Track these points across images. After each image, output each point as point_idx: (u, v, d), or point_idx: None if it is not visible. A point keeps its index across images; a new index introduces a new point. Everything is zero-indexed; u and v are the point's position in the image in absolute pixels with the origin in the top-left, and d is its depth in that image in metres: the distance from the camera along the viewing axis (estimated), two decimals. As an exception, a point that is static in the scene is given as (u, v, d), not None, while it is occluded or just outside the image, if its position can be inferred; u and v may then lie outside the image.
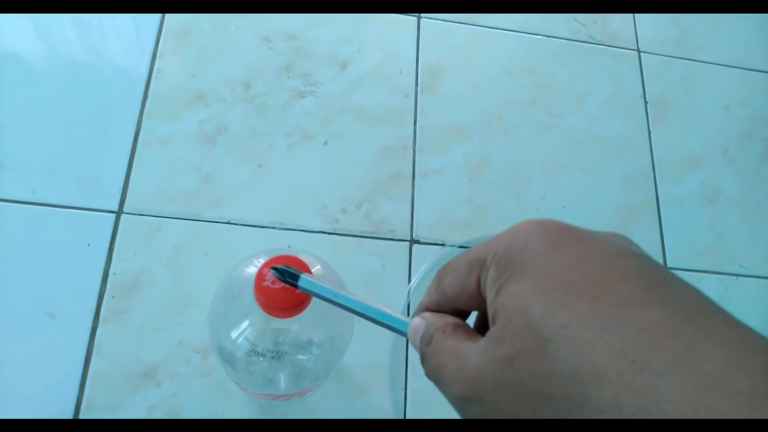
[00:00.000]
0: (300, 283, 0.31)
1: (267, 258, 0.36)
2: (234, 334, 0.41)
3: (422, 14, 0.88)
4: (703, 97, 0.92)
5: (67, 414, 0.60)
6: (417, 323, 0.25)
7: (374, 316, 0.28)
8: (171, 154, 0.74)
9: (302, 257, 0.42)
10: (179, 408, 0.62)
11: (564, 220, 0.76)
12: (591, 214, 0.80)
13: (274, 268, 0.32)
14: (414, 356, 0.68)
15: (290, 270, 0.31)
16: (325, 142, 0.78)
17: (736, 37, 0.98)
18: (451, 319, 0.25)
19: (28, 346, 0.62)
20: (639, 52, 0.93)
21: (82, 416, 0.60)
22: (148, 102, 0.76)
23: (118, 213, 0.69)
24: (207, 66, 0.79)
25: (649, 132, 0.87)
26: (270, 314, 0.35)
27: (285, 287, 0.33)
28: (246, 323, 0.40)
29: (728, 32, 0.98)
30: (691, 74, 0.94)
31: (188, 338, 0.65)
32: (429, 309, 0.26)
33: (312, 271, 0.42)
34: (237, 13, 0.83)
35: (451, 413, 0.22)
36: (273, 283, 0.33)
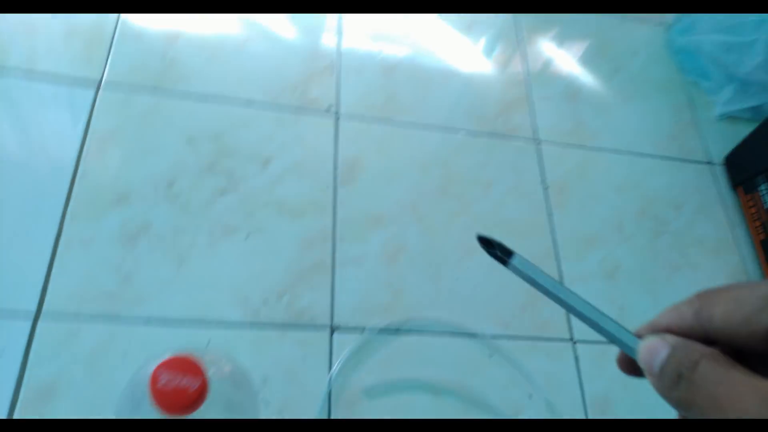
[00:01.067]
0: (513, 262, 0.29)
1: (167, 358, 0.38)
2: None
3: (340, 114, 0.95)
4: (598, 181, 1.02)
5: None
6: (656, 344, 0.24)
7: (594, 319, 0.26)
8: (92, 254, 0.75)
9: (207, 356, 0.45)
10: None
11: (475, 299, 0.80)
12: (501, 294, 0.85)
13: (482, 240, 0.29)
14: (335, 445, 0.70)
15: (503, 245, 0.28)
16: (247, 236, 0.81)
17: (625, 125, 1.10)
18: (711, 348, 0.23)
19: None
20: (538, 142, 1.03)
21: None
22: (71, 203, 0.78)
23: (36, 316, 0.69)
24: (131, 166, 0.82)
25: (550, 215, 0.95)
26: (166, 413, 0.37)
27: (178, 387, 0.35)
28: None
29: (618, 122, 1.10)
30: (587, 161, 1.04)
31: (104, 442, 0.64)
32: (671, 331, 0.25)
33: (220, 373, 0.44)
34: (163, 115, 0.87)
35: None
36: (167, 383, 0.35)
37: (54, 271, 0.73)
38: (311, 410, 0.71)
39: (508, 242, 0.89)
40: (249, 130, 0.90)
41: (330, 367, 0.74)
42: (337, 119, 0.95)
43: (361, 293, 0.81)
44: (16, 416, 0.63)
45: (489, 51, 1.12)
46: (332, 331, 0.77)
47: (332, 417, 0.71)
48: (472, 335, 0.81)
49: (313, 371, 0.73)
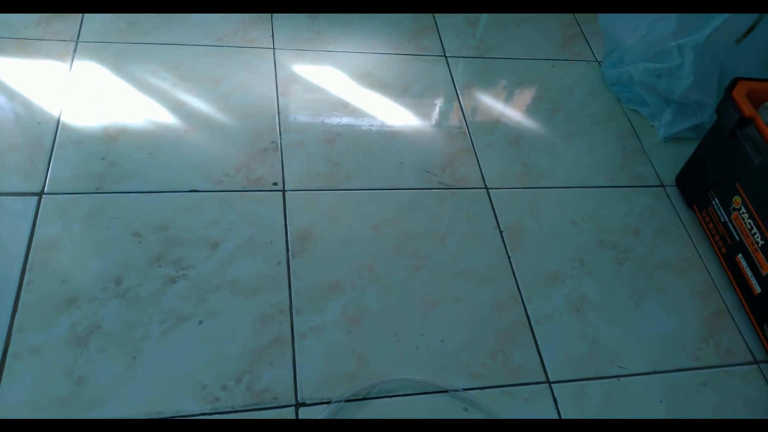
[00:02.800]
0: None
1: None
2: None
3: (286, 188, 0.96)
4: (552, 218, 1.02)
5: None
6: None
7: None
8: (42, 361, 0.73)
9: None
10: None
11: (443, 352, 0.79)
12: (469, 344, 0.84)
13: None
14: None
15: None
16: (200, 322, 0.80)
17: (573, 161, 1.12)
18: None
19: None
20: (487, 189, 1.04)
21: None
22: (18, 314, 0.76)
23: (-18, 436, 0.66)
24: (78, 268, 0.82)
25: (509, 258, 0.95)
26: None
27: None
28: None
29: (566, 158, 1.12)
30: (539, 200, 1.04)
31: None
32: None
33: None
34: (107, 215, 0.87)
35: None
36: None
37: (3, 384, 0.70)
38: (279, 495, 0.67)
39: (470, 291, 0.88)
40: (195, 216, 0.90)
41: (297, 446, 0.71)
42: (284, 194, 0.96)
43: (324, 364, 0.79)
44: None
45: (428, 108, 1.15)
46: (298, 408, 0.74)
47: (303, 499, 0.67)
48: (443, 391, 0.78)
49: (279, 453, 0.70)
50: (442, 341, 0.83)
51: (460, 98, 1.18)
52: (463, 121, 1.14)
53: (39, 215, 0.86)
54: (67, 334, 0.76)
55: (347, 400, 0.76)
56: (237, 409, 0.73)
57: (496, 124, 1.15)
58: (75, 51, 1.09)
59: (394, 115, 1.12)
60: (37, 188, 0.88)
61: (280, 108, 1.08)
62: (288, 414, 0.73)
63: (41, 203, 0.87)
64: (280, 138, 1.03)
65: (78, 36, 1.12)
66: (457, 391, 0.78)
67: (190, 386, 0.74)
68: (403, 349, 0.82)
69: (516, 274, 0.93)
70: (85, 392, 0.71)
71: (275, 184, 0.97)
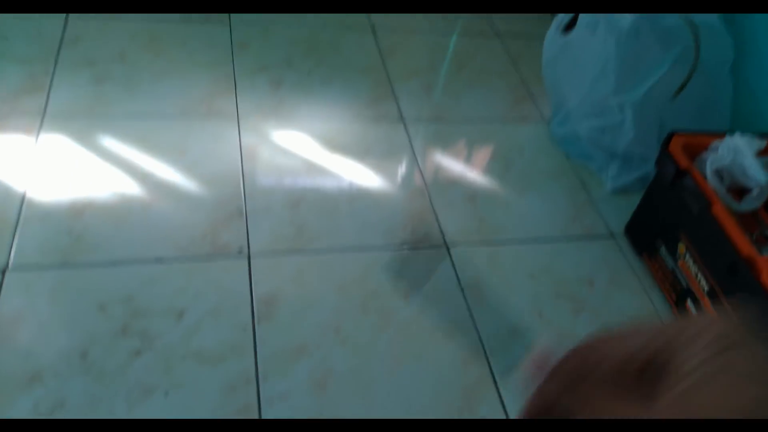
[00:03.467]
0: None
1: None
2: None
3: (251, 254, 0.98)
4: (511, 272, 1.06)
5: None
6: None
7: None
8: (3, 444, 0.72)
9: None
10: None
11: (410, 415, 0.79)
12: (433, 402, 0.85)
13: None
14: None
15: None
16: (167, 393, 0.80)
17: (526, 216, 1.17)
18: None
19: None
20: (449, 245, 1.08)
21: None
22: (-22, 396, 0.76)
23: None
24: (42, 344, 0.82)
25: (471, 314, 0.98)
26: None
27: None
28: None
29: (519, 213, 1.17)
30: (497, 255, 1.09)
31: None
32: None
33: None
34: (73, 287, 0.88)
35: None
36: None
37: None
38: None
39: (433, 346, 0.89)
40: (160, 286, 0.91)
41: None
42: (249, 259, 0.98)
43: None
44: None
45: (389, 170, 1.20)
46: (265, 476, 0.74)
47: None
48: (409, 451, 0.79)
49: None
50: (409, 400, 0.85)
51: (419, 160, 1.24)
52: (422, 181, 1.19)
53: (2, 291, 0.86)
54: (30, 413, 0.75)
55: (315, 466, 0.76)
56: (204, 481, 0.73)
57: (453, 183, 1.20)
58: (41, 125, 1.11)
59: (356, 177, 1.16)
60: (1, 264, 0.89)
61: (245, 174, 1.11)
62: (256, 483, 0.73)
63: (5, 279, 0.87)
64: (245, 204, 1.06)
65: (45, 110, 1.14)
66: (424, 450, 0.80)
67: (156, 460, 0.73)
68: (370, 410, 0.83)
69: (477, 330, 0.96)
70: (48, 473, 0.70)
71: (240, 251, 0.99)
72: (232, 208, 1.05)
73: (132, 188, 1.04)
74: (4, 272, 0.88)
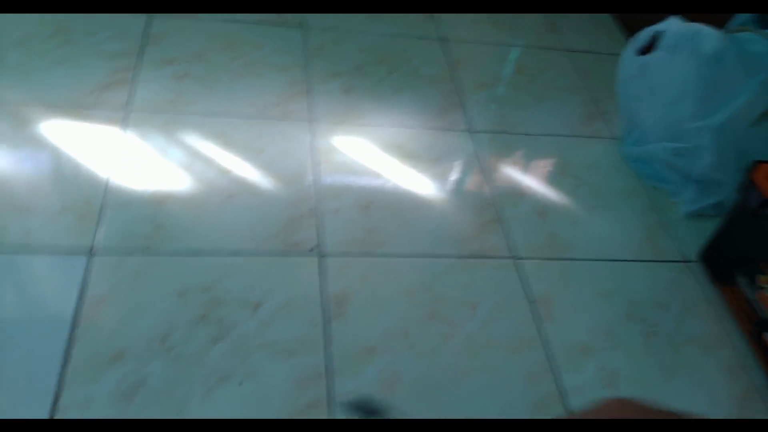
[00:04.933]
0: None
1: None
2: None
3: (323, 253, 1.00)
4: (582, 290, 1.05)
5: None
6: None
7: None
8: (89, 417, 0.74)
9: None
10: None
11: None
12: (502, 414, 0.84)
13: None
14: None
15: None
16: (241, 382, 0.81)
17: (597, 234, 1.15)
18: None
19: None
20: (516, 259, 1.07)
21: None
22: (68, 368, 0.79)
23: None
24: (125, 325, 0.84)
25: (540, 329, 0.96)
26: None
27: None
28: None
29: (590, 231, 1.16)
30: (567, 272, 1.07)
31: None
32: None
33: None
34: (154, 274, 0.91)
35: None
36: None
37: (48, 440, 0.72)
38: None
39: (501, 358, 0.89)
40: (237, 278, 0.93)
41: None
42: (321, 258, 0.99)
43: (360, 429, 0.80)
44: None
45: (456, 180, 1.20)
46: (334, 473, 0.75)
47: None
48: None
49: None
50: (476, 413, 0.84)
51: (486, 171, 1.23)
52: (490, 193, 1.19)
53: (89, 272, 0.89)
54: (113, 390, 0.77)
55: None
56: (275, 472, 0.73)
57: (523, 197, 1.20)
58: (125, 117, 1.16)
59: (424, 185, 1.17)
60: (87, 245, 0.92)
61: (317, 176, 1.13)
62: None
63: (91, 262, 0.91)
64: (317, 204, 1.08)
65: (128, 103, 1.19)
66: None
67: (230, 447, 0.75)
68: (438, 417, 0.83)
69: (547, 346, 0.94)
70: (128, 450, 0.72)
71: (313, 248, 1.00)
72: (305, 209, 1.07)
73: (211, 182, 1.07)
74: (90, 256, 0.91)
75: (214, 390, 0.80)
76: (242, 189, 1.07)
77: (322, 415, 0.80)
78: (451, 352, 0.91)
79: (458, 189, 1.18)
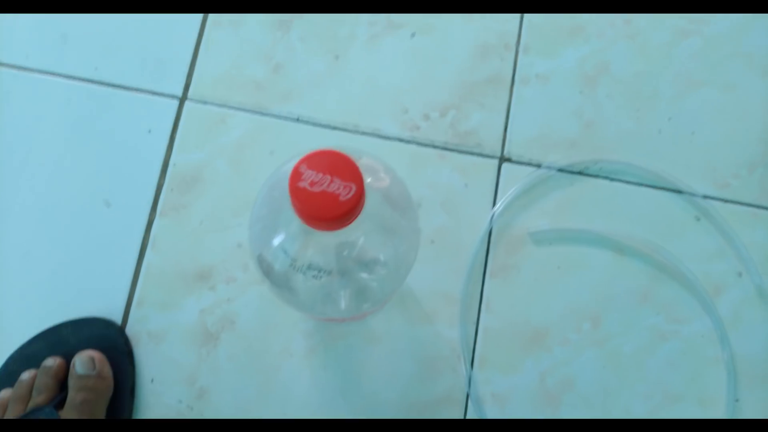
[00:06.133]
0: None
1: (315, 151, 0.28)
2: (274, 244, 0.34)
3: None
4: None
5: (118, 308, 0.58)
6: None
7: None
8: (241, 37, 0.66)
9: (365, 161, 0.34)
10: (233, 314, 0.58)
11: (690, 147, 0.61)
12: (726, 144, 0.66)
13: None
14: (489, 291, 0.60)
15: None
16: (413, 34, 0.67)
17: None
18: None
19: (82, 234, 0.59)
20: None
21: (132, 312, 0.57)
22: (220, -23, 0.67)
23: (182, 99, 0.63)
24: None
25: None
26: (307, 224, 0.27)
27: (326, 191, 0.25)
28: (285, 233, 0.33)
29: None
30: None
31: (247, 242, 0.60)
32: None
33: (376, 177, 0.34)
34: None
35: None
36: (311, 184, 0.25)
37: (200, 52, 0.65)
38: (469, 246, 0.61)
39: (747, 81, 0.65)
40: None
41: (495, 202, 0.63)
42: None
43: (542, 120, 0.66)
44: (161, 200, 0.60)
45: None
46: (501, 162, 0.64)
47: (490, 257, 0.61)
48: (677, 191, 0.64)
49: (475, 203, 0.62)
50: (692, 133, 0.66)
51: None
52: None
53: None
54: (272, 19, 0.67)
55: (560, 169, 0.64)
56: (437, 144, 0.64)
57: None
58: None
59: None
60: None
61: None
62: (491, 165, 0.64)
63: None
64: None
65: None
66: (695, 195, 0.64)
67: (390, 106, 0.65)
68: (641, 129, 0.66)
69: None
70: (282, 82, 0.65)
71: None
72: None
73: None
74: None
75: (381, 36, 0.67)
76: None
77: (502, 95, 0.66)
78: (682, 53, 0.68)
79: None
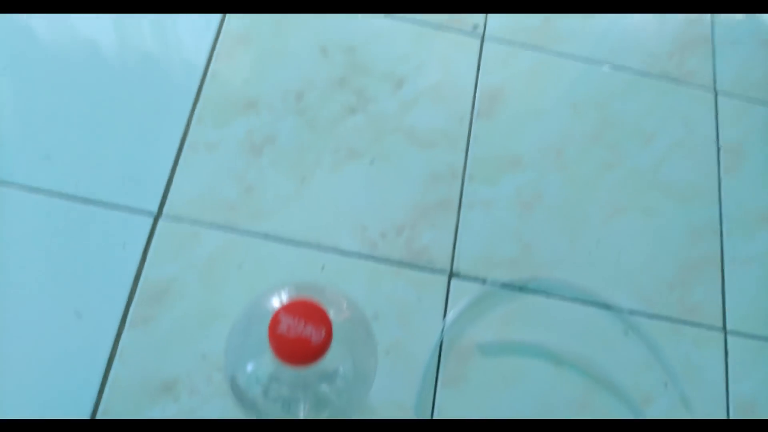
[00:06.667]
0: None
1: (288, 296, 0.33)
2: (247, 369, 0.38)
3: (486, 36, 0.84)
4: (784, 147, 0.85)
5: (83, 416, 0.59)
6: None
7: None
8: (216, 160, 0.72)
9: (327, 294, 0.40)
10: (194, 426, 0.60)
11: (615, 269, 0.69)
12: (649, 265, 0.74)
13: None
14: (441, 400, 0.65)
15: None
16: (372, 162, 0.75)
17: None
18: None
19: (51, 343, 0.62)
20: (716, 93, 0.86)
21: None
22: (199, 105, 0.75)
23: (157, 216, 0.68)
24: (261, 73, 0.78)
25: (720, 180, 0.81)
26: (284, 363, 0.32)
27: (301, 336, 0.30)
28: (258, 362, 0.37)
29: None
30: (773, 120, 0.86)
31: (212, 353, 0.63)
32: None
33: (339, 309, 0.39)
34: (297, 20, 0.81)
35: None
36: (288, 329, 0.30)
37: (177, 172, 0.71)
38: (421, 357, 0.66)
39: (665, 207, 0.76)
40: (385, 45, 0.82)
41: (445, 314, 0.68)
42: (482, 41, 0.84)
43: (486, 241, 0.73)
44: (131, 311, 0.64)
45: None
46: (451, 277, 0.71)
47: (442, 368, 0.66)
48: (606, 306, 0.71)
49: (427, 315, 0.68)
50: (618, 254, 0.75)
51: (714, -28, 0.96)
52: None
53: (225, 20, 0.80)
54: (243, 138, 0.74)
55: (503, 285, 0.71)
56: (392, 260, 0.70)
57: (748, 17, 0.93)
58: None
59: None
60: (232, -26, 0.82)
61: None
62: (441, 280, 0.70)
63: (234, -8, 0.81)
64: (492, -25, 0.89)
65: None
66: (622, 310, 0.71)
67: (351, 224, 0.71)
68: (573, 250, 0.74)
69: (722, 202, 0.80)
70: (252, 202, 0.71)
71: (476, 27, 0.85)
72: (477, -24, 0.88)
73: None
74: (235, -17, 0.82)
75: (343, 163, 0.74)
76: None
77: (450, 217, 0.73)
78: (607, 183, 0.79)
79: (667, -12, 0.93)
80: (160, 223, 0.68)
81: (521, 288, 0.71)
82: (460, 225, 0.74)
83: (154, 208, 0.68)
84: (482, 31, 0.85)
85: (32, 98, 0.72)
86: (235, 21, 0.80)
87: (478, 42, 0.84)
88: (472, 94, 0.81)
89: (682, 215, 0.78)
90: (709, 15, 0.92)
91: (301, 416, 0.45)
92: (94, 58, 0.76)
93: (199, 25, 0.79)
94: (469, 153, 0.77)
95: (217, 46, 0.78)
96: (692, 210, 0.78)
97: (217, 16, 0.80)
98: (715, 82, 0.87)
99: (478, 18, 0.86)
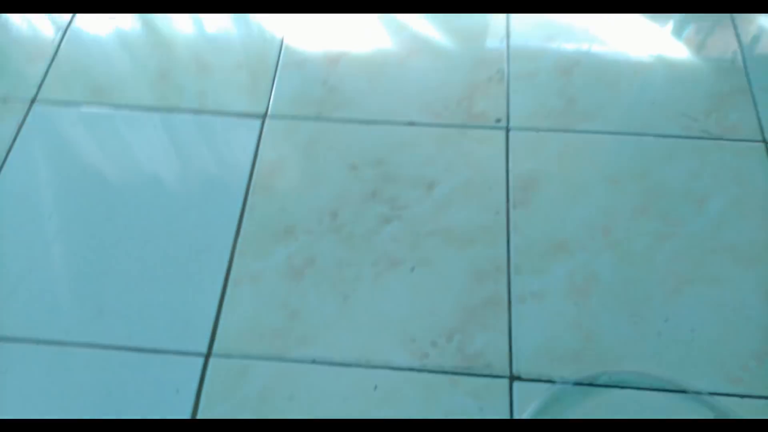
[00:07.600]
0: None
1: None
2: None
3: (510, 126, 0.85)
4: None
5: None
6: None
7: None
8: (260, 291, 0.73)
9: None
10: None
11: (694, 345, 0.64)
12: (727, 337, 0.68)
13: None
14: None
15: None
16: (413, 269, 0.74)
17: None
18: None
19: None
20: (766, 143, 0.82)
21: None
22: (240, 240, 0.77)
23: (207, 355, 0.69)
24: (296, 198, 0.80)
25: (791, 236, 0.74)
26: None
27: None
28: None
29: None
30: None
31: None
32: None
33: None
34: (327, 142, 0.84)
35: None
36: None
37: (224, 309, 0.72)
38: (490, 477, 0.61)
39: (734, 272, 0.70)
40: (412, 152, 0.83)
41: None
42: (507, 132, 0.84)
43: (544, 335, 0.69)
44: (189, 459, 0.63)
45: (692, 35, 0.93)
46: (512, 380, 0.66)
47: (515, 485, 0.61)
48: (686, 392, 0.65)
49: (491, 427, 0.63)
50: (691, 331, 0.69)
51: (736, 23, 0.94)
52: (739, 52, 0.91)
53: (262, 138, 0.85)
54: (284, 264, 0.75)
55: (575, 383, 0.66)
56: (447, 370, 0.67)
57: (785, 59, 0.90)
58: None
59: (646, 43, 0.92)
60: (261, 110, 0.87)
61: (510, 31, 0.94)
62: (502, 385, 0.66)
63: (265, 125, 0.86)
64: (508, 66, 0.90)
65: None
66: (703, 394, 0.64)
67: (399, 337, 0.69)
68: (640, 333, 0.69)
69: (798, 258, 0.73)
70: (298, 327, 0.71)
71: (498, 120, 0.86)
72: (492, 71, 0.90)
73: (387, 41, 0.94)
74: (263, 119, 0.87)
75: (384, 274, 0.74)
76: (421, 47, 0.93)
77: (501, 314, 0.70)
78: (665, 256, 0.74)
79: (694, 46, 0.92)
80: (211, 362, 0.68)
81: (591, 383, 0.66)
82: (513, 322, 0.70)
83: (204, 348, 0.69)
84: (506, 123, 0.85)
85: (85, 255, 0.77)
86: (269, 149, 0.84)
87: (503, 134, 0.84)
88: (504, 185, 0.80)
89: (753, 279, 0.72)
90: (741, 64, 0.89)
91: None
92: (140, 210, 0.80)
93: (235, 158, 0.83)
94: (511, 244, 0.75)
95: (253, 179, 0.82)
96: (757, 270, 0.72)
97: (252, 147, 0.84)
98: (762, 130, 0.83)
99: (500, 112, 0.86)
